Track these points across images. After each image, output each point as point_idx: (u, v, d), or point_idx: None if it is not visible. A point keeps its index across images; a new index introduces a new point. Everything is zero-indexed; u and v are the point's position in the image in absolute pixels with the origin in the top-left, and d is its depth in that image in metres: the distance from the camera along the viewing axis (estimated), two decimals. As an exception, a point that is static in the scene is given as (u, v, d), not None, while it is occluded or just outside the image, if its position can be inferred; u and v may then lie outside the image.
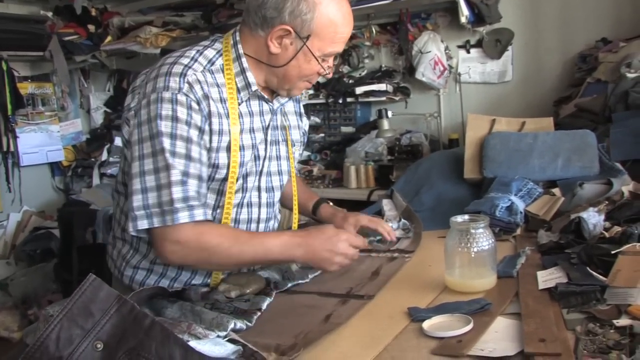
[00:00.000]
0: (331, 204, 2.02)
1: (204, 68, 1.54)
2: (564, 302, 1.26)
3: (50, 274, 4.18)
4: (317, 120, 4.17)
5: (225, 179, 1.58)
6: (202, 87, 1.51)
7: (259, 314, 1.35)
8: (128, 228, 1.44)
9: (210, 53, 1.58)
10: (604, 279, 1.29)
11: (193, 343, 1.07)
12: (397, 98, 3.91)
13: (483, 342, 1.14)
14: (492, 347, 1.11)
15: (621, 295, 1.23)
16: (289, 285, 1.57)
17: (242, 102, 1.61)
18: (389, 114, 3.68)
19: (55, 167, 5.12)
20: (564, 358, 1.02)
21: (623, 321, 1.14)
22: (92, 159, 4.97)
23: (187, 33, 4.39)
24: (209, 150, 1.53)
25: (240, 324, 1.26)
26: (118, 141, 4.90)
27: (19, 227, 4.68)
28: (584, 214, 1.67)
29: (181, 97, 1.46)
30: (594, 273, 1.33)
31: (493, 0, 3.48)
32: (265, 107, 1.68)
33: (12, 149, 4.60)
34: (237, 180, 1.60)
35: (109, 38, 4.68)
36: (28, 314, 3.93)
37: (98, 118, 5.20)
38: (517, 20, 3.59)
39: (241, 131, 1.59)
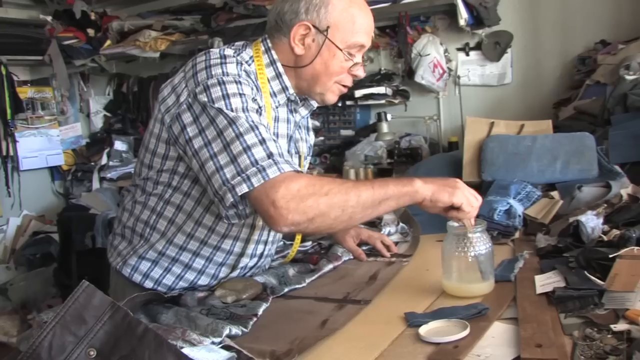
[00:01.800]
0: None
1: (243, 68, 1.54)
2: (561, 306, 1.25)
3: (50, 279, 4.18)
4: (317, 123, 4.16)
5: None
6: (253, 79, 1.53)
7: (255, 319, 1.34)
8: (224, 204, 1.34)
9: (245, 56, 1.59)
10: (601, 283, 1.28)
11: (187, 350, 1.07)
12: (396, 101, 3.91)
13: (480, 347, 1.13)
14: (488, 352, 1.11)
15: (619, 300, 1.22)
16: (286, 290, 1.56)
17: (278, 105, 1.63)
18: (389, 117, 3.68)
19: (55, 172, 5.13)
20: (561, 364, 1.01)
21: (620, 326, 1.13)
22: (92, 163, 4.98)
23: (187, 37, 4.39)
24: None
25: (235, 330, 1.25)
26: (118, 145, 4.90)
27: (18, 232, 4.68)
28: (582, 217, 1.66)
29: (244, 80, 1.47)
30: (592, 277, 1.32)
31: (492, 3, 3.47)
32: (290, 116, 1.69)
33: (11, 153, 4.62)
34: None
35: (108, 42, 4.69)
36: (27, 318, 3.93)
37: (98, 122, 5.21)
38: (516, 23, 3.59)
39: (275, 135, 1.61)
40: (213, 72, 1.45)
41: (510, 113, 3.34)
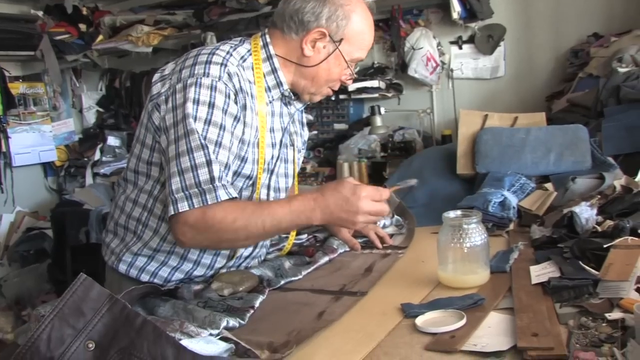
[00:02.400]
0: None
1: (238, 63, 1.58)
2: (556, 296, 1.26)
3: (44, 275, 4.17)
4: (310, 117, 4.17)
5: (252, 176, 1.62)
6: (239, 80, 1.54)
7: (251, 311, 1.35)
8: (169, 212, 1.42)
9: (242, 50, 1.62)
10: (596, 272, 1.29)
11: (185, 342, 1.07)
12: (389, 95, 3.92)
13: (476, 337, 1.14)
14: (485, 342, 1.11)
15: (613, 289, 1.23)
16: (282, 282, 1.56)
17: (272, 100, 1.66)
18: (382, 110, 3.69)
19: (47, 167, 5.11)
20: (557, 352, 1.02)
21: (615, 314, 1.14)
22: (85, 159, 4.96)
23: (179, 31, 4.38)
24: (242, 141, 1.55)
25: (233, 322, 1.26)
26: (111, 140, 4.89)
27: (12, 228, 4.67)
28: (576, 209, 1.67)
29: (221, 85, 1.49)
30: (587, 267, 1.33)
31: (485, -4, 3.48)
32: (285, 110, 1.72)
33: (4, 149, 4.61)
34: (267, 174, 1.66)
35: (100, 37, 4.67)
36: (22, 314, 3.91)
37: (90, 117, 5.19)
38: (509, 16, 3.60)
39: (269, 129, 1.65)
40: (195, 71, 1.50)
41: (503, 106, 3.36)
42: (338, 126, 4.17)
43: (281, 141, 1.72)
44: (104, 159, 4.85)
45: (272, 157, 1.69)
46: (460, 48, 3.78)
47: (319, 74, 1.65)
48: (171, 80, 1.53)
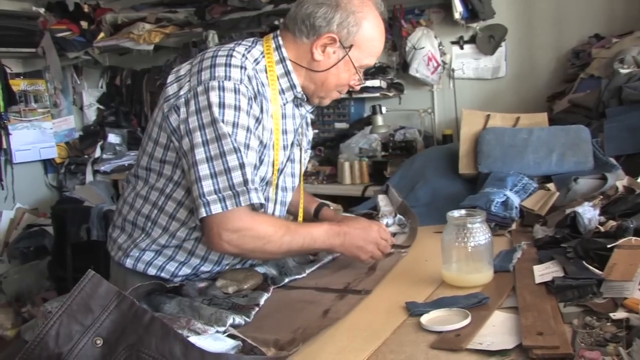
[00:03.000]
0: (332, 207, 2.05)
1: (253, 66, 1.58)
2: (560, 295, 1.27)
3: (44, 272, 4.17)
4: (311, 116, 4.16)
5: (268, 178, 1.64)
6: (257, 83, 1.56)
7: (257, 309, 1.35)
8: (198, 215, 1.44)
9: (255, 53, 1.62)
10: (600, 272, 1.30)
11: (193, 339, 1.07)
12: (390, 94, 3.92)
13: (481, 335, 1.15)
14: (490, 340, 1.12)
15: (617, 289, 1.24)
16: (286, 280, 1.57)
17: (286, 102, 1.66)
18: (383, 110, 3.69)
19: (48, 164, 5.11)
20: (562, 351, 1.02)
21: (619, 314, 1.14)
22: (85, 156, 4.97)
23: (181, 29, 4.39)
24: (260, 142, 1.57)
25: (238, 320, 1.26)
26: (111, 138, 4.89)
27: (12, 225, 4.67)
28: (579, 209, 1.68)
29: (243, 88, 1.51)
30: (590, 267, 1.34)
31: (486, -4, 3.49)
32: (297, 111, 1.73)
33: (4, 146, 4.61)
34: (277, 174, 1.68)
35: (101, 34, 4.67)
36: (22, 311, 3.91)
37: (91, 115, 5.19)
38: (511, 16, 3.60)
39: (282, 131, 1.66)
40: (216, 74, 1.50)
41: (504, 106, 3.36)
42: (339, 125, 4.17)
43: (292, 143, 1.73)
44: (104, 156, 4.85)
45: (285, 159, 1.70)
46: (462, 48, 3.79)
47: (329, 78, 1.65)
48: (190, 82, 1.52)
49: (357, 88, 1.76)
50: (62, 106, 5.11)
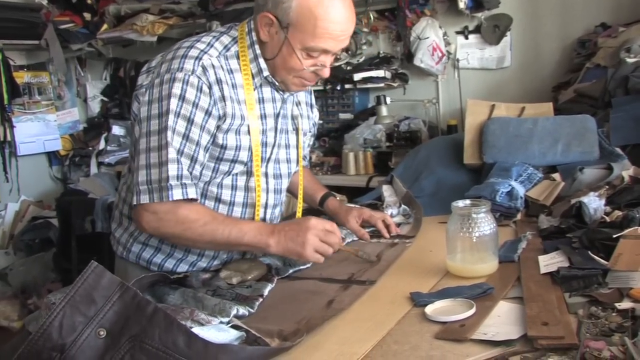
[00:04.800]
0: (338, 197, 2.03)
1: (219, 54, 1.56)
2: (566, 286, 1.26)
3: (49, 263, 4.19)
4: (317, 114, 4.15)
5: (250, 161, 1.62)
6: (215, 72, 1.53)
7: (260, 300, 1.35)
8: (132, 201, 1.49)
9: (226, 40, 1.60)
10: (605, 262, 1.29)
11: (197, 329, 1.07)
12: (395, 84, 3.90)
13: (486, 326, 1.14)
14: (495, 331, 1.11)
15: (623, 279, 1.23)
16: (290, 271, 1.57)
17: (256, 87, 1.63)
18: (387, 100, 3.67)
19: (52, 157, 5.11)
20: (567, 341, 1.02)
21: (625, 304, 1.14)
22: (90, 148, 4.97)
23: (184, 20, 4.37)
24: (226, 131, 1.56)
25: (242, 310, 1.26)
26: (115, 130, 4.89)
27: (17, 217, 4.67)
28: (584, 199, 1.67)
29: (193, 79, 1.49)
30: (596, 257, 1.33)
31: (492, -14, 3.46)
32: (277, 95, 1.68)
33: (9, 138, 4.60)
34: (261, 162, 1.65)
35: (105, 26, 4.66)
36: (28, 303, 3.94)
37: (95, 107, 5.18)
38: (516, 6, 3.58)
39: (259, 116, 1.63)
40: (172, 66, 1.51)
41: (509, 96, 3.34)
42: (343, 116, 4.16)
43: (276, 127, 1.69)
44: (108, 148, 4.85)
45: (267, 145, 1.67)
46: (467, 38, 3.76)
47: (277, 62, 1.58)
48: (153, 73, 1.55)
49: (325, 76, 1.61)
50: (66, 98, 5.10)
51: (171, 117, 1.47)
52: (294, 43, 1.51)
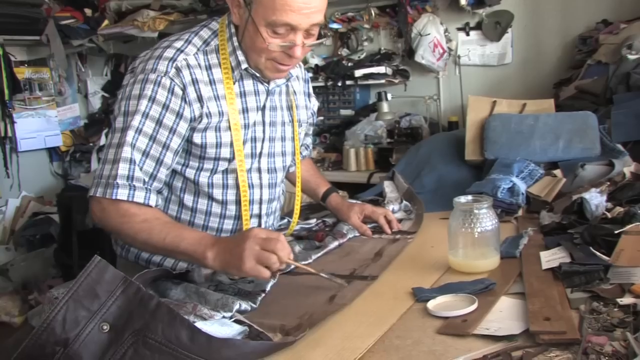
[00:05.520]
0: (340, 193, 2.03)
1: (198, 49, 1.55)
2: (567, 281, 1.27)
3: (50, 259, 4.19)
4: (317, 103, 4.15)
5: (232, 158, 1.61)
6: (191, 72, 1.52)
7: (263, 295, 1.35)
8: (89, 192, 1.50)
9: (205, 33, 1.59)
10: (607, 258, 1.29)
11: (199, 324, 1.07)
12: (396, 81, 3.91)
13: (488, 321, 1.14)
14: (497, 326, 1.12)
15: (624, 275, 1.23)
16: (292, 266, 1.56)
17: (236, 81, 1.60)
18: (389, 96, 3.68)
19: (53, 152, 5.11)
20: (569, 336, 1.02)
21: (627, 300, 1.14)
22: (90, 144, 4.97)
23: (185, 16, 4.36)
24: (204, 129, 1.55)
25: (245, 305, 1.26)
26: (116, 126, 4.88)
27: (17, 213, 4.68)
28: (586, 195, 1.67)
29: (165, 80, 1.49)
30: (597, 253, 1.34)
31: (493, -18, 3.46)
32: (261, 87, 1.65)
33: (9, 134, 4.60)
34: (244, 158, 1.63)
35: (106, 22, 4.65)
36: (29, 298, 3.94)
37: (96, 103, 5.18)
38: (517, 3, 3.58)
39: (240, 110, 1.61)
40: (146, 67, 1.51)
41: (511, 93, 3.34)
42: (344, 112, 4.15)
43: (264, 121, 1.67)
44: (109, 144, 4.84)
45: (256, 140, 1.66)
46: (468, 34, 3.77)
47: (247, 44, 1.54)
48: (131, 73, 1.55)
49: (296, 55, 1.51)
50: (66, 94, 5.09)
51: (137, 117, 1.46)
52: (257, 20, 1.46)
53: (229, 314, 1.20)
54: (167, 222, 1.47)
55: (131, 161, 1.45)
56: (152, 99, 1.48)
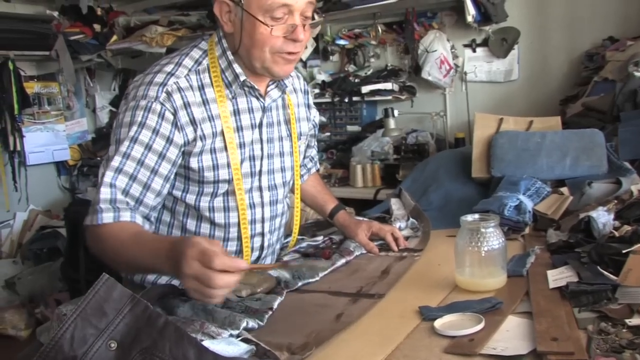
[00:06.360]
0: (348, 209, 2.03)
1: (190, 70, 1.54)
2: (575, 301, 1.26)
3: (57, 273, 4.19)
4: (323, 119, 4.17)
5: (231, 180, 1.59)
6: (182, 96, 1.51)
7: (270, 313, 1.35)
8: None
9: (196, 54, 1.58)
10: (615, 278, 1.29)
11: (207, 343, 1.08)
12: (403, 97, 3.92)
13: (495, 340, 1.14)
14: (504, 345, 1.11)
15: (633, 295, 1.23)
16: (299, 284, 1.57)
17: (234, 96, 1.59)
18: (395, 113, 3.69)
19: (61, 166, 5.15)
20: (577, 357, 1.02)
21: (635, 320, 1.13)
22: (98, 158, 4.99)
23: (193, 32, 4.40)
24: (199, 153, 1.54)
25: (252, 323, 1.27)
26: (123, 140, 4.90)
27: (25, 226, 4.70)
28: (593, 213, 1.67)
29: (155, 106, 1.48)
30: (605, 272, 1.33)
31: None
32: (256, 104, 1.64)
33: (18, 148, 4.63)
34: (243, 178, 1.61)
35: (114, 37, 4.69)
36: (35, 312, 3.95)
37: (104, 117, 5.22)
38: (523, 19, 3.59)
39: (235, 129, 1.59)
40: (137, 93, 1.50)
41: (517, 109, 3.36)
42: (351, 128, 4.17)
43: (262, 138, 1.66)
44: (116, 158, 4.87)
45: (254, 158, 1.65)
46: (474, 51, 3.78)
47: (246, 45, 1.51)
48: (125, 99, 1.54)
49: (300, 38, 1.50)
50: (75, 108, 5.14)
51: (126, 142, 1.46)
52: (253, 12, 1.46)
53: (236, 332, 1.20)
54: (139, 237, 1.40)
55: (111, 185, 1.43)
56: (142, 125, 1.46)
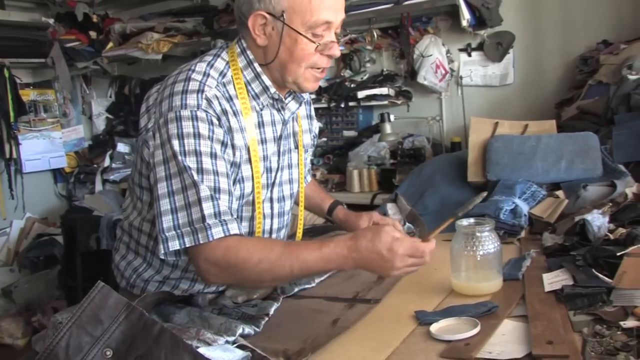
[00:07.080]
0: (345, 206, 2.02)
1: (217, 82, 1.50)
2: (570, 304, 1.27)
3: (54, 281, 4.18)
4: (320, 124, 4.17)
5: (251, 191, 1.57)
6: (220, 103, 1.47)
7: (266, 319, 1.36)
8: (159, 251, 1.38)
9: (220, 65, 1.54)
10: (609, 280, 1.29)
11: (202, 349, 1.08)
12: (399, 102, 3.92)
13: (491, 344, 1.15)
14: (499, 349, 1.12)
15: (627, 297, 1.23)
16: (296, 289, 1.57)
17: (262, 108, 1.58)
18: (391, 117, 3.70)
19: (57, 174, 5.13)
20: (572, 360, 1.02)
21: (630, 323, 1.14)
22: (95, 165, 4.99)
23: (189, 39, 4.40)
24: (232, 164, 1.50)
25: (248, 329, 1.27)
26: (120, 147, 4.91)
27: (22, 234, 4.69)
28: (588, 216, 1.67)
29: (201, 114, 1.43)
30: (600, 275, 1.34)
31: (494, 4, 3.49)
32: (277, 116, 1.63)
33: (14, 155, 4.63)
34: (262, 189, 1.59)
35: (110, 44, 4.70)
36: (32, 320, 3.93)
37: (100, 124, 5.21)
38: (518, 23, 3.60)
39: (259, 141, 1.58)
40: (174, 104, 1.43)
41: (512, 113, 3.35)
42: (347, 133, 4.17)
43: (279, 151, 1.65)
44: (113, 165, 4.87)
45: (271, 170, 1.64)
46: (469, 55, 3.79)
47: (283, 59, 1.50)
48: (155, 114, 1.48)
49: (337, 54, 1.53)
50: (71, 116, 5.14)
51: (190, 157, 1.39)
52: (296, 27, 1.46)
53: (232, 338, 1.20)
54: (281, 252, 1.35)
55: (211, 198, 1.37)
56: (197, 135, 1.41)
